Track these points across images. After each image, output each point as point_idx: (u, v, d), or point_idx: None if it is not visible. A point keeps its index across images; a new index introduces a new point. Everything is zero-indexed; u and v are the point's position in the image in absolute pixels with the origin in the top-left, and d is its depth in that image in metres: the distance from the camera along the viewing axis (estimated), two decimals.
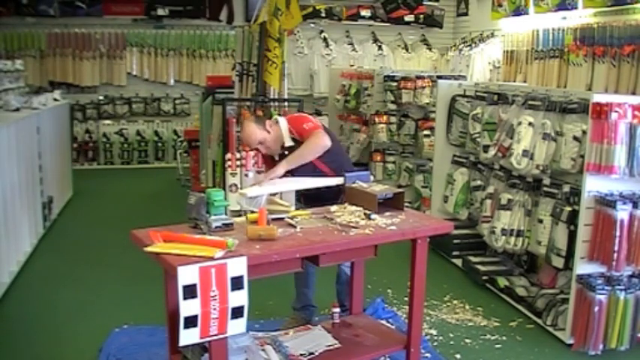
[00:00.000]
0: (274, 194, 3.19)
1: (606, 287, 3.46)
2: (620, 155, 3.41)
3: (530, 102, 4.08)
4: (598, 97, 3.49)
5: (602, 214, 3.48)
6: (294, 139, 3.50)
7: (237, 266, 2.31)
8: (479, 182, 4.82)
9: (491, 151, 4.35)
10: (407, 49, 9.90)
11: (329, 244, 2.62)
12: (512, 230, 4.16)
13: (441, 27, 10.00)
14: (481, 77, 8.23)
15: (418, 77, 6.51)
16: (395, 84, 6.65)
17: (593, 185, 3.53)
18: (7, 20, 8.79)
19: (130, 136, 9.44)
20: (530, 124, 3.97)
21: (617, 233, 3.39)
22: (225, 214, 2.72)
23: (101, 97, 9.42)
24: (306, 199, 3.48)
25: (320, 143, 3.39)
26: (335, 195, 3.33)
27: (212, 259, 2.29)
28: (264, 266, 2.49)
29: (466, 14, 9.69)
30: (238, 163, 4.92)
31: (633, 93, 5.71)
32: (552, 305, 3.85)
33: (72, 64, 9.16)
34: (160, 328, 3.40)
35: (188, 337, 2.25)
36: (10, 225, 4.50)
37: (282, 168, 3.36)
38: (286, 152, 3.51)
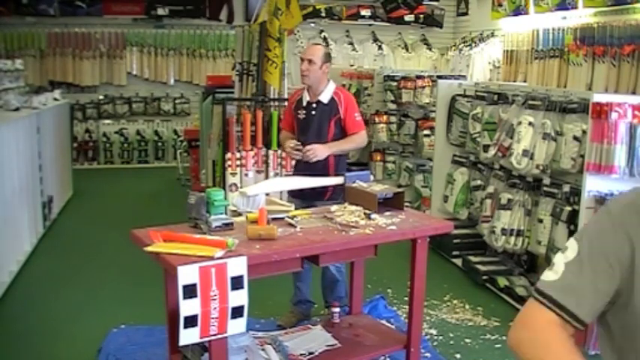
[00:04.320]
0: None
1: None
2: (620, 155, 3.41)
3: (530, 102, 4.08)
4: (598, 97, 3.49)
5: None
6: (331, 101, 3.64)
7: (237, 266, 2.31)
8: (479, 182, 4.82)
9: (491, 151, 4.35)
10: (407, 49, 9.90)
11: (329, 243, 2.62)
12: (512, 230, 4.16)
13: (441, 27, 10.00)
14: (481, 77, 8.22)
15: (418, 77, 6.51)
16: (395, 84, 6.65)
17: (593, 185, 3.52)
18: (7, 20, 8.77)
19: (130, 135, 9.42)
20: (530, 123, 3.96)
21: None
22: (225, 213, 2.72)
23: (101, 97, 9.42)
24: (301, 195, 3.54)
25: (362, 143, 3.70)
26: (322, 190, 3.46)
27: (212, 258, 2.29)
28: (264, 266, 2.49)
29: (466, 14, 9.68)
30: (238, 162, 4.93)
31: (633, 93, 5.70)
32: None
33: (72, 63, 9.15)
34: (157, 327, 3.41)
35: (188, 336, 2.25)
36: (10, 224, 4.50)
37: (325, 151, 3.47)
38: (313, 106, 3.62)
